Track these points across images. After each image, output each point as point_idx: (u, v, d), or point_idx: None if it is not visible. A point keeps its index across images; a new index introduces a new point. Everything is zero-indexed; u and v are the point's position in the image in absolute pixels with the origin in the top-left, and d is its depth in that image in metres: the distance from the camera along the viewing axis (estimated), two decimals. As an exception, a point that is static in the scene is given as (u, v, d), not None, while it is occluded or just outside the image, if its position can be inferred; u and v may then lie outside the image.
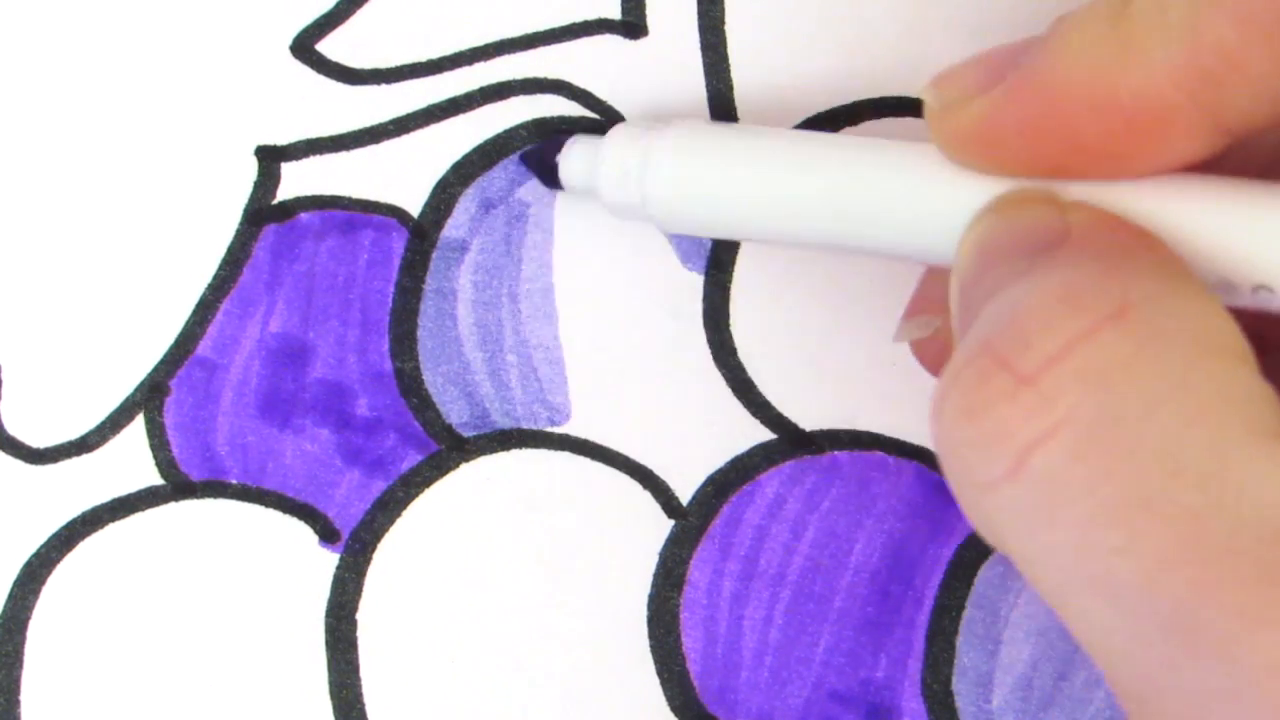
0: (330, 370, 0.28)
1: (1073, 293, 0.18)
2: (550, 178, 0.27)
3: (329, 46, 0.29)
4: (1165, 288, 0.18)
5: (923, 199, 0.22)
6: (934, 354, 0.25)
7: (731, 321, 0.28)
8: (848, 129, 0.28)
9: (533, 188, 0.28)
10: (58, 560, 0.28)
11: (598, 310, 0.28)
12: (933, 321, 0.25)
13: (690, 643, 0.28)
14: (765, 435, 0.28)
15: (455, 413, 0.28)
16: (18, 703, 0.28)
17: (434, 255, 0.29)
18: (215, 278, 0.29)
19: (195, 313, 0.29)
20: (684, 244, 0.28)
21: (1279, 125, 0.19)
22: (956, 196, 0.22)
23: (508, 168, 0.29)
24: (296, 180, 0.29)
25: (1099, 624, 0.17)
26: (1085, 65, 0.19)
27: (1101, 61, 0.19)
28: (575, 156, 0.27)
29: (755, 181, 0.24)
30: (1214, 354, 0.17)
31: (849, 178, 0.23)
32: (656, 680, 0.28)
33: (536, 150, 0.28)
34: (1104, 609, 0.17)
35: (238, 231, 0.29)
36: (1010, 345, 0.18)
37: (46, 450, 0.28)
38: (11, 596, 0.28)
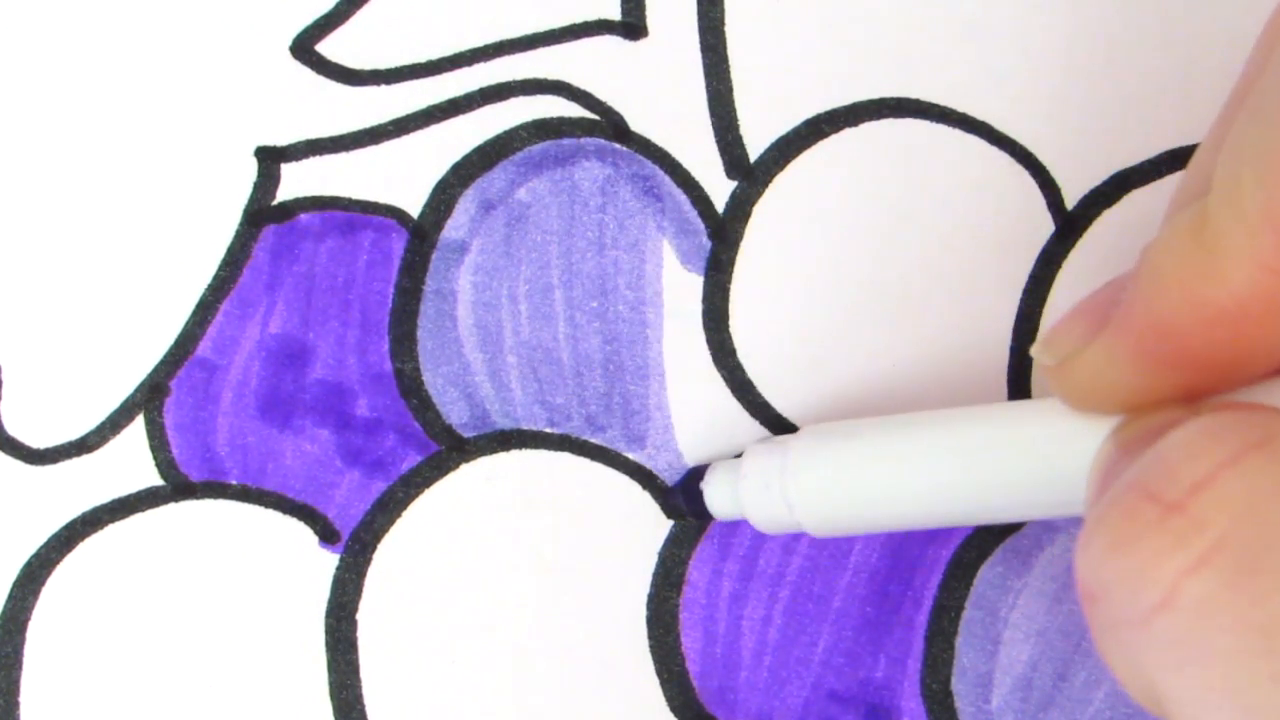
0: (330, 371, 0.28)
1: (1216, 427, 0.18)
2: (699, 509, 0.27)
3: (329, 47, 0.29)
4: None
5: (1062, 459, 0.22)
6: None
7: (731, 321, 0.28)
8: (847, 130, 0.28)
9: (532, 188, 0.28)
10: (58, 560, 0.28)
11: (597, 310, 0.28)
12: None
13: (689, 643, 0.28)
14: (766, 435, 0.28)
15: (455, 413, 0.28)
16: (17, 703, 0.28)
17: (434, 256, 0.29)
18: (215, 278, 0.29)
19: (195, 313, 0.29)
20: (684, 244, 0.28)
21: None
22: (1094, 445, 0.21)
23: (508, 168, 0.29)
24: (296, 181, 0.29)
25: None
26: (1180, 283, 0.19)
27: (1195, 274, 0.19)
28: (717, 483, 0.27)
29: (894, 475, 0.24)
30: None
31: (987, 456, 0.23)
32: (656, 680, 0.28)
33: (681, 486, 0.28)
34: None
35: (237, 232, 0.29)
36: (1156, 478, 0.18)
37: (46, 450, 0.28)
38: (11, 597, 0.28)
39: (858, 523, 0.25)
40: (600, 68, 0.29)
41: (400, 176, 0.29)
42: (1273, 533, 0.17)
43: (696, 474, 0.27)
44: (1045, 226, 0.28)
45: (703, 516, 0.27)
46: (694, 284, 0.28)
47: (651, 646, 0.28)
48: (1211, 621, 0.17)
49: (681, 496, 0.28)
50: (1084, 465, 0.21)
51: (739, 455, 0.27)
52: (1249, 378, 0.20)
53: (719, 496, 0.27)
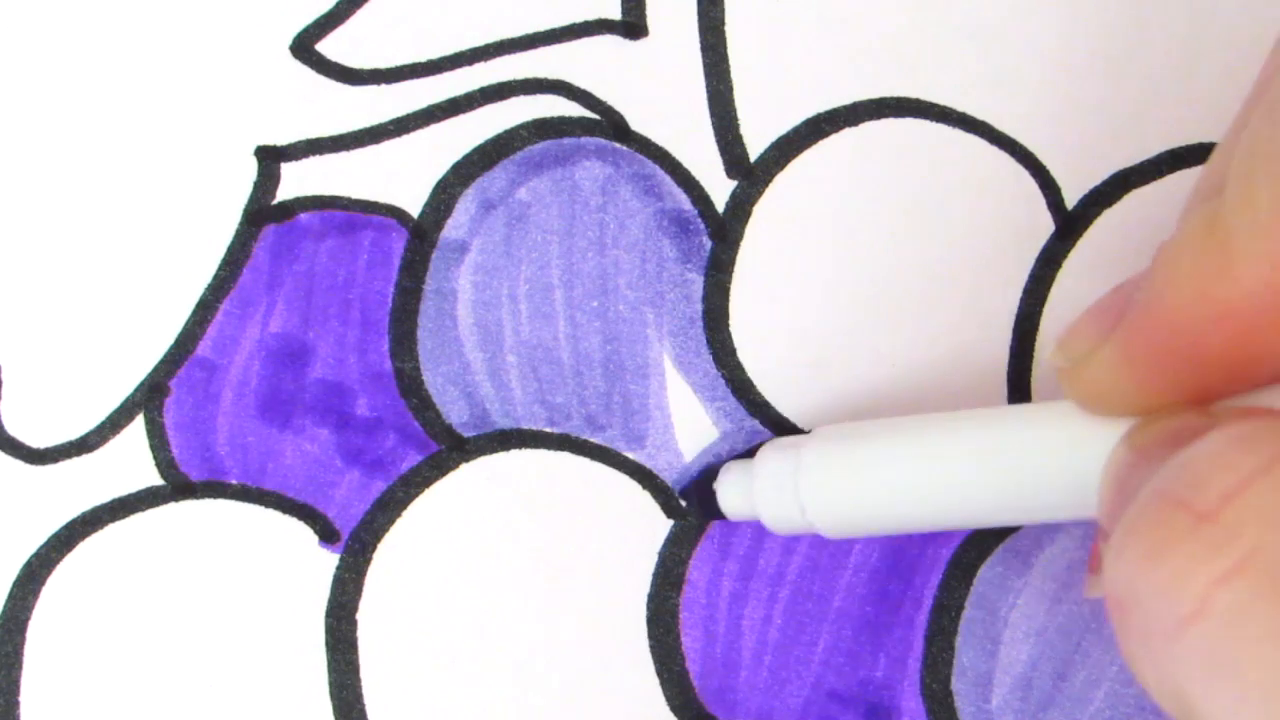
0: (330, 370, 0.28)
1: (1245, 436, 0.18)
2: (710, 509, 0.27)
3: (329, 46, 0.29)
4: None
5: (1075, 463, 0.22)
6: None
7: (731, 321, 0.28)
8: (847, 130, 0.28)
9: (533, 188, 0.28)
10: (58, 560, 0.28)
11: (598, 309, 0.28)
12: None
13: (689, 642, 0.28)
14: (765, 435, 0.28)
15: (455, 413, 0.28)
16: (17, 703, 0.28)
17: (434, 255, 0.29)
18: (215, 278, 0.29)
19: (195, 313, 0.29)
20: (684, 244, 0.28)
21: None
22: (1107, 448, 0.21)
23: (508, 168, 0.29)
24: (296, 180, 0.29)
25: None
26: (1194, 281, 0.19)
27: (1208, 273, 0.19)
28: (731, 483, 0.27)
29: (906, 479, 0.24)
30: None
31: (1000, 458, 0.23)
32: (656, 680, 0.28)
33: (693, 486, 0.28)
34: None
35: (237, 232, 0.29)
36: (1186, 487, 0.17)
37: (46, 450, 0.28)
38: (11, 596, 0.28)
39: (870, 525, 0.25)
40: (600, 67, 0.29)
41: (400, 176, 0.29)
42: None
43: (709, 474, 0.27)
44: (1045, 226, 0.28)
45: (713, 516, 0.28)
46: (694, 284, 0.28)
47: (651, 646, 0.28)
48: (1243, 631, 0.17)
49: (693, 496, 0.28)
50: (1097, 468, 0.21)
51: (748, 454, 0.27)
52: (1261, 378, 0.20)
53: (732, 497, 0.27)
